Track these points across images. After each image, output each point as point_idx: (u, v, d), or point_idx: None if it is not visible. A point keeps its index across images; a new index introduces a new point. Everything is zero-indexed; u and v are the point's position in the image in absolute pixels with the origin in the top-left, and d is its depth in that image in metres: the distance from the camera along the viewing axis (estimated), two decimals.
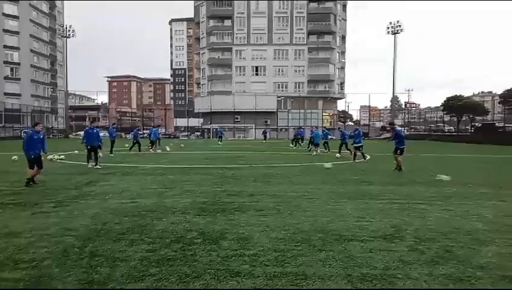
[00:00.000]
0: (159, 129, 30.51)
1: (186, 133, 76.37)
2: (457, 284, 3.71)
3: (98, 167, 13.90)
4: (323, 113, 72.92)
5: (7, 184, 9.97)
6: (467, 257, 4.47)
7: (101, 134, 15.47)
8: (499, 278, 3.85)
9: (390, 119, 52.08)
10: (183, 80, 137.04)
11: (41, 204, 7.38)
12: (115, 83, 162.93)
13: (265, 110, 70.08)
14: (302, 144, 32.03)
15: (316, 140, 23.59)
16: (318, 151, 23.12)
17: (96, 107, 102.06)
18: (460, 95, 60.89)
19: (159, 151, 24.61)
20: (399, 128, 16.65)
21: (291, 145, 32.72)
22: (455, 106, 57.69)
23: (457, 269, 4.09)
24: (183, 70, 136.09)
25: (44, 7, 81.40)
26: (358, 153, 17.59)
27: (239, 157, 20.56)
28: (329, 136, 26.86)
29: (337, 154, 20.00)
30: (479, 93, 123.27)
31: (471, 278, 3.85)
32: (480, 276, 3.91)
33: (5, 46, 71.77)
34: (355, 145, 17.58)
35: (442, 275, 3.91)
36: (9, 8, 72.30)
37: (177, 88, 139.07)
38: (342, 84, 79.83)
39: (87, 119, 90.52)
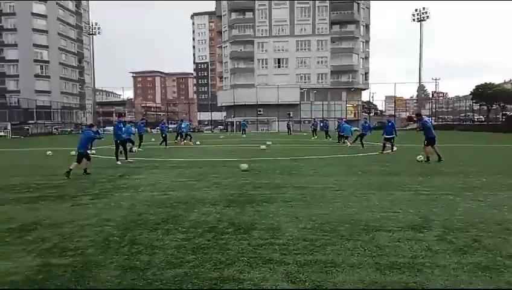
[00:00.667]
0: (189, 123, 31.27)
1: (210, 127, 77.20)
2: (485, 272, 3.76)
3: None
4: (347, 105, 72.08)
5: (46, 178, 10.52)
6: (496, 247, 4.49)
7: (132, 128, 15.98)
8: None
9: (417, 110, 50.98)
10: (206, 74, 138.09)
11: (80, 197, 7.81)
12: (140, 79, 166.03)
13: (288, 103, 69.82)
14: (329, 137, 31.48)
15: (346, 132, 23.64)
16: (348, 143, 23.04)
17: (122, 103, 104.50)
18: (490, 83, 58.77)
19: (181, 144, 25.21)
20: (426, 118, 16.36)
21: (313, 138, 32.80)
22: (485, 94, 55.75)
23: (486, 258, 4.13)
24: (205, 64, 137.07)
25: (71, 5, 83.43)
26: (388, 145, 17.47)
27: (264, 150, 20.74)
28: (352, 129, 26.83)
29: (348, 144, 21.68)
30: (510, 80, 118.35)
31: (500, 267, 3.89)
32: (509, 265, 3.94)
33: (35, 45, 74.20)
34: (386, 136, 17.49)
35: (470, 264, 3.97)
36: (38, 7, 74.51)
37: (200, 82, 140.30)
38: (366, 74, 78.55)
39: (114, 114, 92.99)
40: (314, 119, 45.76)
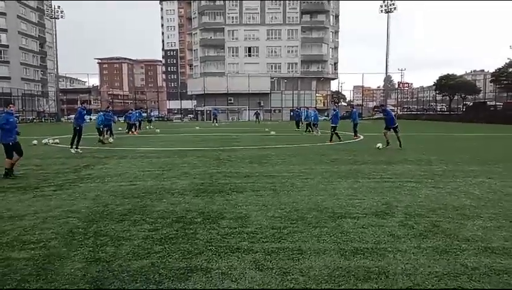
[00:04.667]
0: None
1: (180, 116, 76.11)
2: (443, 255, 3.95)
3: (78, 150, 13.85)
4: (317, 94, 72.90)
5: (3, 169, 10.02)
6: (453, 231, 4.72)
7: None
8: (482, 250, 4.10)
9: (382, 101, 52.53)
10: (175, 62, 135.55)
11: (42, 188, 7.53)
12: (106, 65, 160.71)
13: (258, 92, 69.82)
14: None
15: (315, 120, 24.14)
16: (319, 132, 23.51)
17: (88, 90, 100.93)
18: (452, 74, 61.10)
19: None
20: (388, 109, 17.46)
21: (304, 132, 25.36)
22: (447, 85, 57.99)
23: (443, 242, 4.34)
24: (175, 52, 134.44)
25: None
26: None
27: (234, 139, 20.72)
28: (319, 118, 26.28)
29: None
30: (471, 72, 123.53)
31: (457, 250, 4.09)
32: (465, 248, 4.16)
33: None
34: (331, 125, 17.77)
35: (429, 248, 4.16)
36: None
37: (169, 70, 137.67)
38: (335, 64, 79.55)
39: (78, 102, 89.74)
40: (298, 108, 35.92)
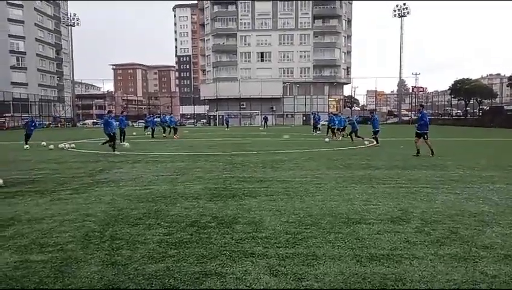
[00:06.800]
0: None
1: (193, 121, 76.64)
2: (461, 263, 3.87)
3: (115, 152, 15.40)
4: (330, 99, 72.62)
5: (22, 173, 10.25)
6: (471, 238, 4.63)
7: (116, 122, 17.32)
8: (502, 257, 4.01)
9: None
10: (188, 67, 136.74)
11: (58, 191, 7.65)
12: (120, 71, 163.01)
13: (271, 97, 69.91)
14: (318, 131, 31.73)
15: (340, 124, 23.97)
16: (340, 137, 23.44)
17: (103, 96, 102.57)
18: (468, 78, 60.21)
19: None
20: (424, 111, 15.87)
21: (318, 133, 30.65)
22: (463, 89, 57.14)
23: (461, 249, 4.25)
24: (188, 57, 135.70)
25: None
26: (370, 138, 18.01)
27: (246, 144, 20.75)
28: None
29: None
30: (487, 76, 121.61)
31: (475, 258, 4.00)
32: (483, 255, 4.07)
33: (10, 36, 71.92)
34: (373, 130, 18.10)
35: (447, 255, 4.08)
36: None
37: (182, 75, 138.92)
38: (348, 68, 79.24)
39: (93, 107, 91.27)
40: (315, 113, 39.40)
